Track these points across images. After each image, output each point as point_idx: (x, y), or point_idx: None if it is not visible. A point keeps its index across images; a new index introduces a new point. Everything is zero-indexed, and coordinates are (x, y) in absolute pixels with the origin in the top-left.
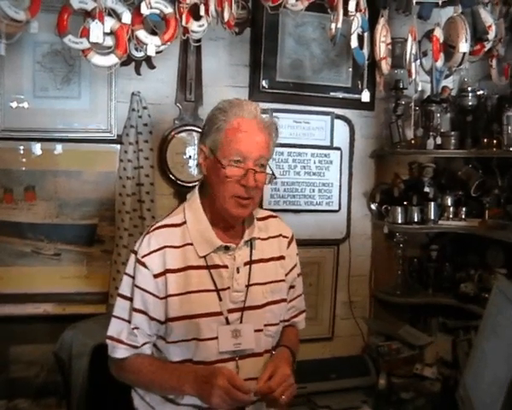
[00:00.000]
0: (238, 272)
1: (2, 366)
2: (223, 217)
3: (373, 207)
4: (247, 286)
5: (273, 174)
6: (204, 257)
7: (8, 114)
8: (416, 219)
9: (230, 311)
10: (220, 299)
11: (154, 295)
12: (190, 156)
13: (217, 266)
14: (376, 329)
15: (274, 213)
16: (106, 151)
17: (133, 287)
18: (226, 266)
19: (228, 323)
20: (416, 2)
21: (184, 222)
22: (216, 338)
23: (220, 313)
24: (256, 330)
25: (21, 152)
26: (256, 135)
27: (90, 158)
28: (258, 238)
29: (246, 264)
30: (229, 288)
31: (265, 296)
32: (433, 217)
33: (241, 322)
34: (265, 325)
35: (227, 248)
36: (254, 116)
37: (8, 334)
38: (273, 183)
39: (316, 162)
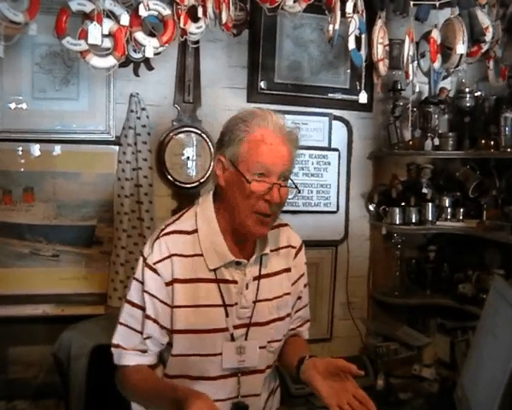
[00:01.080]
0: (247, 288)
1: (1, 367)
2: (239, 232)
3: (371, 208)
4: (255, 302)
5: (296, 187)
6: (214, 270)
7: (6, 115)
8: (413, 220)
9: (236, 327)
10: (227, 315)
11: (164, 303)
12: (189, 157)
13: (226, 281)
14: (374, 330)
15: (283, 222)
16: (104, 152)
17: (143, 293)
18: (236, 282)
19: (233, 339)
20: (414, 4)
21: (195, 230)
22: (220, 354)
23: (226, 329)
24: (260, 347)
25: (20, 153)
26: (280, 148)
27: (88, 159)
28: (269, 251)
29: (254, 279)
30: (236, 304)
31: (271, 313)
32: (430, 218)
33: (246, 339)
34: (269, 342)
35: (238, 264)
36: (280, 128)
37: (7, 335)
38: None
39: (314, 163)
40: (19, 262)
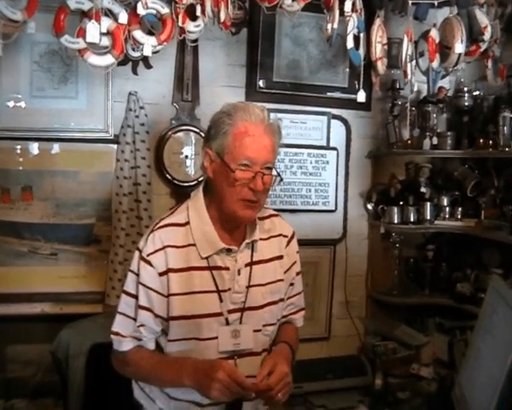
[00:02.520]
0: (239, 273)
1: (0, 366)
2: (228, 219)
3: (369, 207)
4: (248, 287)
5: (279, 175)
6: (206, 258)
7: (5, 113)
8: (412, 220)
9: (230, 311)
10: (221, 300)
11: (158, 292)
12: (187, 156)
13: (218, 268)
14: (373, 329)
15: (275, 212)
16: (103, 151)
17: (138, 284)
18: (228, 268)
19: (228, 323)
20: (412, 3)
21: (188, 222)
22: (216, 338)
23: (220, 314)
24: (255, 331)
25: (18, 152)
26: (263, 139)
27: (87, 158)
28: (260, 239)
29: (246, 265)
30: (229, 289)
31: (265, 297)
32: (429, 217)
33: (240, 322)
34: (264, 326)
35: (229, 251)
36: (261, 120)
37: (6, 334)
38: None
39: (312, 162)
40: (17, 261)
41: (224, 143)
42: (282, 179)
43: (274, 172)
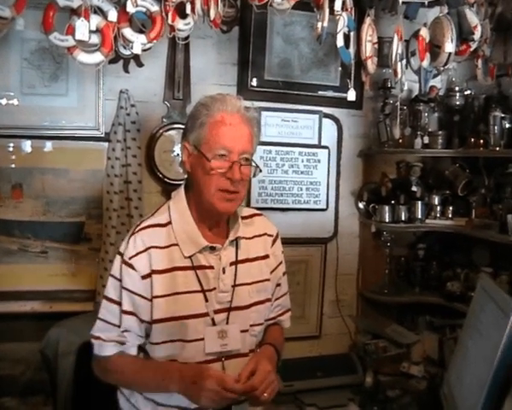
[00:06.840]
0: (224, 272)
1: None
2: (208, 214)
3: (360, 205)
4: (234, 286)
5: (257, 167)
6: (190, 258)
7: None
8: (403, 218)
9: (217, 312)
10: (206, 300)
11: (142, 296)
12: (178, 154)
13: (203, 267)
14: (364, 327)
15: (258, 212)
16: (94, 149)
17: (121, 289)
18: (212, 267)
19: (214, 324)
20: (403, 2)
21: (169, 222)
22: (202, 339)
23: (206, 314)
24: (242, 331)
25: (9, 149)
26: (240, 128)
27: (77, 156)
28: (244, 237)
29: (231, 264)
30: (215, 288)
31: (251, 296)
32: (420, 216)
33: (227, 323)
34: (251, 326)
35: (212, 249)
36: (237, 109)
37: None
38: (258, 176)
39: (304, 161)
40: (7, 259)
41: (201, 133)
42: (260, 170)
43: (252, 164)
